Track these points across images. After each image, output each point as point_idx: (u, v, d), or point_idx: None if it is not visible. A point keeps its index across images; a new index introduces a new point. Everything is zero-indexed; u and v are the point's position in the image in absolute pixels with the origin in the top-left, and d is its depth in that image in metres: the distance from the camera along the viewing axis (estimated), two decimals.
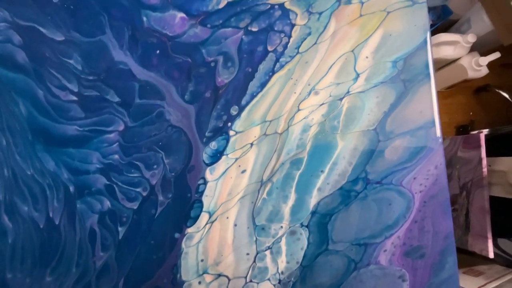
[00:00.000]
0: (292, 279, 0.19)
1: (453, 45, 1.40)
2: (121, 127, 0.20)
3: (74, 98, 0.20)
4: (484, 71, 1.36)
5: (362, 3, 0.21)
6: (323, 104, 0.20)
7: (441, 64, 1.58)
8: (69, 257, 0.19)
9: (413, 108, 0.20)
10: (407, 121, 0.20)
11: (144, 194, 0.19)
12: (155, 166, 0.19)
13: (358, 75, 0.20)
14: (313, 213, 0.19)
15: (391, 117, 0.20)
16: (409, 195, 0.19)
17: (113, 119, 0.20)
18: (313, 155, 0.20)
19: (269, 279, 0.19)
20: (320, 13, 0.21)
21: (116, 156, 0.19)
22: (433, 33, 1.44)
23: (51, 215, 0.19)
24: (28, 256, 0.19)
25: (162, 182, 0.19)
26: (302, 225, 0.19)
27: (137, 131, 0.20)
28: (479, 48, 1.45)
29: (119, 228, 0.19)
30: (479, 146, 0.74)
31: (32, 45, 0.20)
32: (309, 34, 0.21)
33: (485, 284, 0.84)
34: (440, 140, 0.20)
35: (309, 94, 0.20)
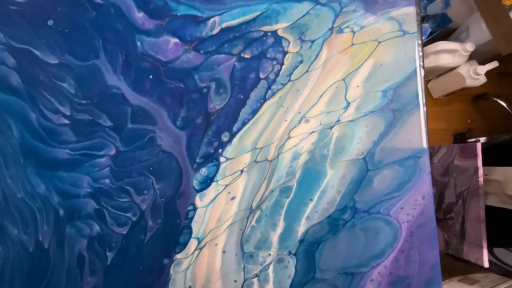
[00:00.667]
0: None
1: (452, 53, 1.40)
2: (113, 152, 0.20)
3: (67, 121, 0.20)
4: (482, 79, 1.36)
5: (354, 32, 0.21)
6: (313, 132, 0.20)
7: (439, 72, 1.58)
8: (57, 281, 0.19)
9: (402, 138, 0.20)
10: (396, 150, 0.20)
11: (134, 219, 0.19)
12: (145, 191, 0.20)
13: (348, 104, 0.21)
14: (301, 241, 0.19)
15: (380, 147, 0.20)
16: (396, 224, 0.20)
17: (105, 144, 0.20)
18: (302, 183, 0.20)
19: None
20: (313, 41, 0.21)
21: (107, 181, 0.20)
22: (433, 41, 1.44)
23: (40, 239, 0.19)
24: (17, 280, 0.19)
25: (152, 208, 0.20)
26: (290, 253, 0.19)
27: (129, 155, 0.20)
28: (478, 56, 1.44)
29: (108, 253, 0.19)
30: (475, 156, 0.74)
31: (26, 67, 0.21)
32: (301, 62, 0.21)
33: None
34: (428, 170, 0.20)
35: (299, 122, 0.20)
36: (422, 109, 0.21)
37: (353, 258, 0.19)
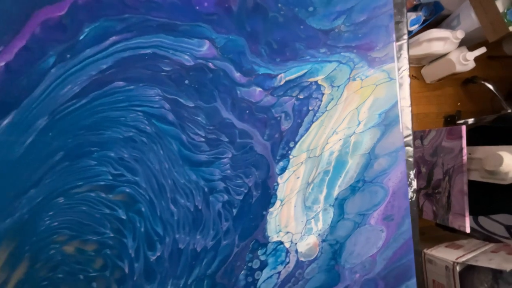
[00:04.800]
0: (325, 233, 0.36)
1: (444, 41, 1.55)
2: (230, 155, 0.36)
3: (203, 139, 0.36)
4: (471, 65, 1.52)
5: (362, 79, 0.37)
6: (340, 139, 0.36)
7: (431, 58, 1.72)
8: (208, 225, 0.35)
9: (389, 141, 0.36)
10: (386, 148, 0.36)
11: (246, 191, 0.35)
12: (250, 176, 0.36)
13: (359, 122, 0.36)
14: (336, 198, 0.36)
15: (377, 146, 0.36)
16: (386, 188, 0.36)
17: (225, 151, 0.36)
18: (335, 168, 0.36)
19: (313, 234, 0.36)
20: (338, 86, 0.37)
21: (229, 171, 0.35)
22: (426, 28, 1.56)
23: (196, 204, 0.35)
24: (186, 225, 0.35)
25: (255, 185, 0.36)
26: (330, 205, 0.36)
27: (239, 157, 0.36)
28: (468, 42, 1.61)
29: (233, 210, 0.35)
30: (460, 137, 0.84)
31: (176, 109, 0.36)
32: (332, 99, 0.36)
33: (463, 255, 0.95)
34: (403, 158, 0.36)
35: (332, 134, 0.36)
36: (401, 124, 0.36)
37: (364, 206, 0.36)
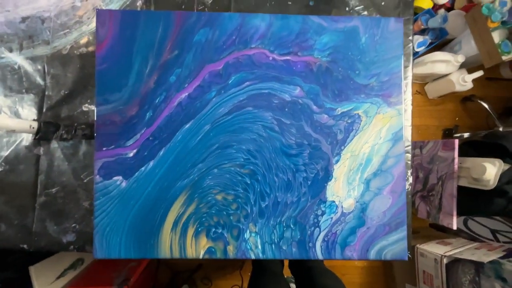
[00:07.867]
0: (358, 197, 0.64)
1: (446, 63, 1.83)
2: (308, 151, 0.64)
3: (293, 142, 0.63)
4: (469, 85, 1.79)
5: (383, 113, 0.65)
6: (369, 146, 0.64)
7: (434, 77, 1.99)
8: (294, 189, 0.63)
9: (397, 149, 0.64)
10: (395, 153, 0.64)
11: (316, 172, 0.64)
12: (318, 164, 0.64)
13: (381, 137, 0.65)
14: (365, 179, 0.64)
15: (390, 151, 0.64)
16: (393, 175, 0.64)
17: (305, 149, 0.64)
18: (366, 161, 0.64)
19: (351, 197, 0.64)
20: (370, 116, 0.65)
21: (307, 160, 0.64)
22: (431, 50, 1.83)
23: (288, 177, 0.63)
24: (282, 188, 0.64)
25: (321, 168, 0.64)
26: (362, 182, 0.64)
27: (313, 153, 0.64)
28: (467, 65, 1.88)
29: (308, 182, 0.63)
30: (453, 149, 0.98)
31: (280, 124, 0.64)
32: (366, 123, 0.65)
33: (450, 250, 1.13)
34: (404, 159, 0.64)
35: (365, 143, 0.64)
36: (404, 140, 0.65)
37: (380, 184, 0.64)
